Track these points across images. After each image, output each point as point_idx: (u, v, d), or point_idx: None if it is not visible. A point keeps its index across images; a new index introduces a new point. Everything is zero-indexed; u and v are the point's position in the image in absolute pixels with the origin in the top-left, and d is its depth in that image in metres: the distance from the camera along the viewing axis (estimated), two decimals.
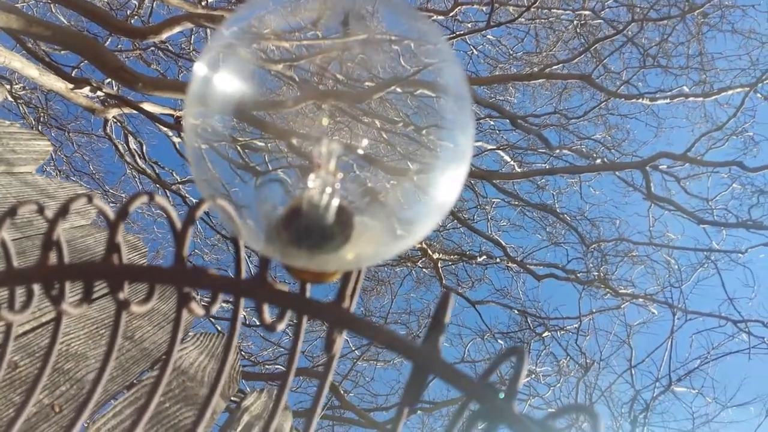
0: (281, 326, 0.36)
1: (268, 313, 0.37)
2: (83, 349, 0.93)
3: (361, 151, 0.34)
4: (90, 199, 0.45)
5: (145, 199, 0.43)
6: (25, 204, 0.46)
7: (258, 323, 0.38)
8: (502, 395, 0.30)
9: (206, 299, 0.42)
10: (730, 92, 5.12)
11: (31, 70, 3.28)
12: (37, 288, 0.43)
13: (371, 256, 0.34)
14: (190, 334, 1.18)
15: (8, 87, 4.83)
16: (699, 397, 6.02)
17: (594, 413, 0.32)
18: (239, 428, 1.10)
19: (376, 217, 0.32)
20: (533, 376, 6.54)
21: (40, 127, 5.61)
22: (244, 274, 0.41)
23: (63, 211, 0.43)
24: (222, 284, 0.36)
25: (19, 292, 0.45)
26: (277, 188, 0.36)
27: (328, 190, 0.31)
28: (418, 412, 5.86)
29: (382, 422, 5.65)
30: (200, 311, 0.39)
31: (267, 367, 6.30)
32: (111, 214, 0.44)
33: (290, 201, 0.33)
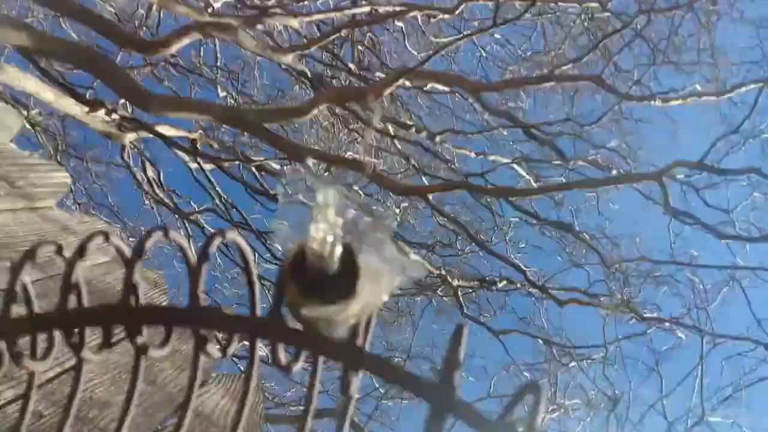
0: (296, 367, 0.36)
1: (283, 353, 0.36)
2: (107, 396, 0.91)
3: (360, 198, 0.34)
4: (107, 237, 0.46)
5: (160, 235, 0.43)
6: (44, 245, 0.46)
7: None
8: None
9: (225, 338, 0.42)
10: (743, 89, 4.99)
11: (47, 94, 3.30)
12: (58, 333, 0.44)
13: (380, 300, 0.33)
14: (212, 375, 1.15)
15: (25, 113, 4.92)
16: (735, 428, 5.81)
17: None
18: None
19: (381, 257, 0.32)
20: (562, 410, 6.38)
21: (58, 156, 5.70)
22: (258, 310, 0.41)
23: (80, 253, 0.43)
24: (234, 324, 0.36)
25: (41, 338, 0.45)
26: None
27: (330, 238, 0.31)
28: None
29: None
30: (217, 354, 0.39)
31: (292, 408, 6.17)
32: (127, 252, 0.44)
33: (291, 253, 0.33)
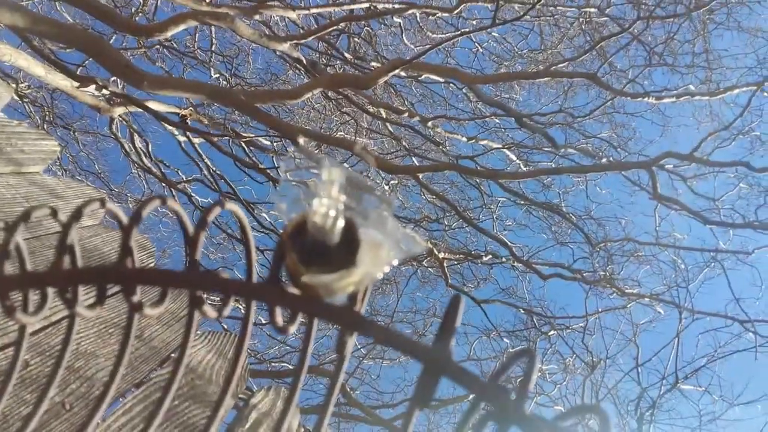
0: (293, 329, 0.37)
1: (280, 316, 0.37)
2: (93, 348, 0.94)
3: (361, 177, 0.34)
4: (103, 204, 0.46)
5: (158, 203, 0.43)
6: (39, 208, 0.46)
7: (265, 323, 0.38)
8: (513, 396, 0.30)
9: (217, 300, 0.42)
10: (736, 91, 5.07)
11: (37, 69, 3.28)
12: (50, 291, 0.44)
13: (380, 271, 0.34)
14: (198, 332, 1.19)
15: (14, 86, 4.84)
16: (706, 396, 6.01)
17: (604, 413, 0.32)
18: (247, 425, 1.11)
19: (382, 231, 0.32)
20: (539, 374, 6.51)
21: (45, 126, 5.61)
22: (255, 275, 0.41)
23: (76, 217, 0.43)
24: (234, 288, 0.36)
25: (33, 294, 0.45)
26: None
27: (332, 212, 0.31)
28: (424, 409, 5.85)
29: (388, 419, 5.67)
30: (213, 313, 0.39)
31: (273, 364, 6.36)
32: (124, 218, 0.44)
33: (292, 223, 0.33)
